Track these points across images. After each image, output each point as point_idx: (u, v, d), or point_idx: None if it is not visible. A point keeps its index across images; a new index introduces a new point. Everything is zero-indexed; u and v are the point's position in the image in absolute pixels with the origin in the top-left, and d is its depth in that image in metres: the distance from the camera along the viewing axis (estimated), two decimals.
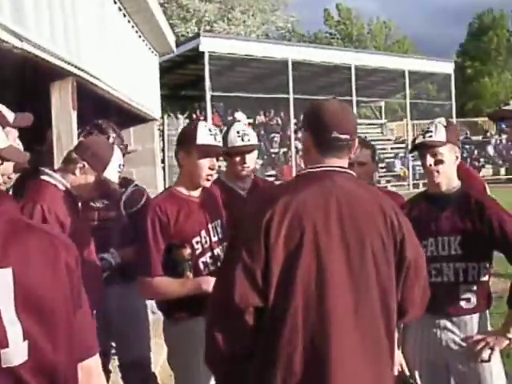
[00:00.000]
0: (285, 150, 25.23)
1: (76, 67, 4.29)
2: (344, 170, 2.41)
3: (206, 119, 20.69)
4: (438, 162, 3.36)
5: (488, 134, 32.16)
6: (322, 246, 2.25)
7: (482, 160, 30.29)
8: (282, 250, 2.22)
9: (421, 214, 3.40)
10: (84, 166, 3.46)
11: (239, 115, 26.03)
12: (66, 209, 3.37)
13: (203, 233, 3.45)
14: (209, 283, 3.18)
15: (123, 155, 3.81)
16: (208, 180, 3.46)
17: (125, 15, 6.23)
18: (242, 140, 3.91)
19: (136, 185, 4.40)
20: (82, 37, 4.50)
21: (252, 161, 3.99)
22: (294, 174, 22.67)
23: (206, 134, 3.41)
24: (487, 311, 3.43)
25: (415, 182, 26.87)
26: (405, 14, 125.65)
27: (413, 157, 27.32)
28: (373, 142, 6.80)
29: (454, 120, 29.08)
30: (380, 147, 25.19)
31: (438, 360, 3.40)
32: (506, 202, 3.91)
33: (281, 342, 2.22)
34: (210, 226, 3.50)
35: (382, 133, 31.23)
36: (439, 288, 3.18)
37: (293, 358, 2.22)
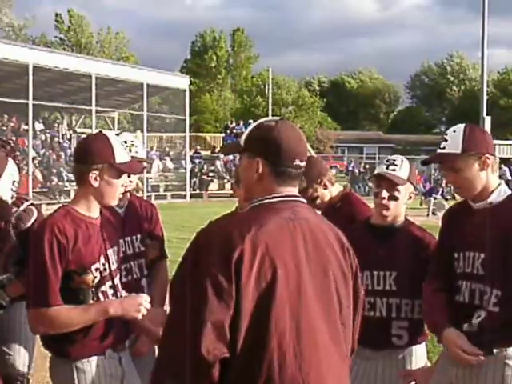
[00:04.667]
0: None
1: None
2: (299, 198, 2.24)
3: None
4: (392, 198, 3.24)
5: (216, 150, 33.54)
6: (294, 284, 2.07)
7: (210, 174, 31.48)
8: (252, 290, 2.00)
9: (360, 244, 2.92)
10: None
11: None
12: None
13: (102, 259, 3.00)
14: (117, 307, 2.90)
15: None
16: (116, 198, 3.08)
17: None
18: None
19: (32, 203, 3.94)
20: None
21: (135, 177, 3.77)
22: (30, 183, 21.62)
23: (122, 149, 3.06)
24: (421, 345, 3.41)
25: (148, 193, 27.06)
26: (131, 27, 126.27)
27: (147, 171, 27.64)
28: None
29: (187, 134, 30.00)
30: None
31: None
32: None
33: None
34: (109, 251, 3.06)
35: None
36: (371, 323, 3.07)
37: None
